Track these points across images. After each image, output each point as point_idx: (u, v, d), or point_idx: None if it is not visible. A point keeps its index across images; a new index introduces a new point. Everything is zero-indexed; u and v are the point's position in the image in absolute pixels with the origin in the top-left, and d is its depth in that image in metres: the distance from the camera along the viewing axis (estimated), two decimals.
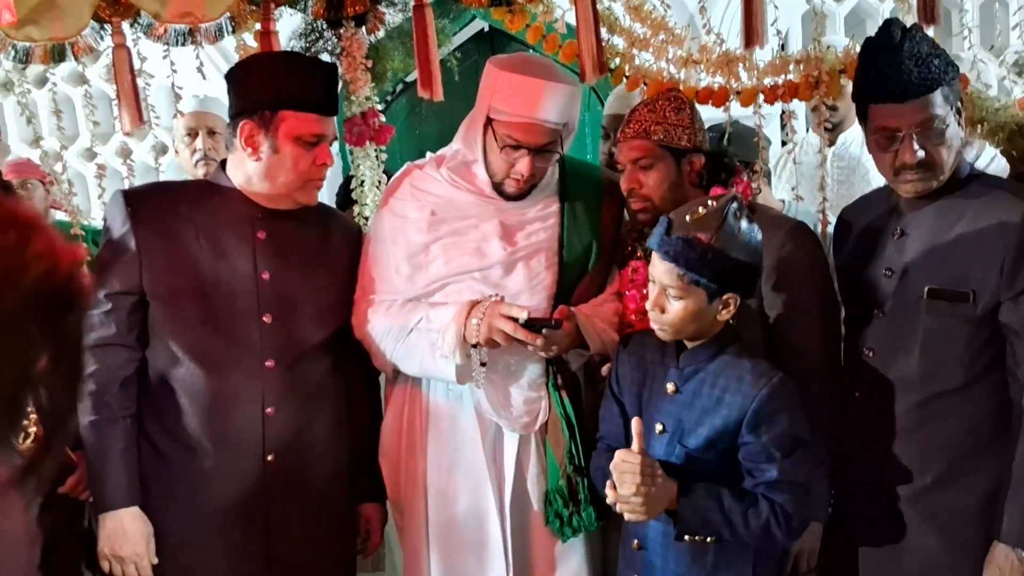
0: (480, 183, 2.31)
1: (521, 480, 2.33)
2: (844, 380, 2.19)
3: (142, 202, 2.21)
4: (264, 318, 2.20)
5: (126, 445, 2.17)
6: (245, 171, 2.21)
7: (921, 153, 1.98)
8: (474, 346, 2.18)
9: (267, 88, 2.14)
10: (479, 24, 4.45)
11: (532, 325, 2.13)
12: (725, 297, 1.92)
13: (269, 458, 2.22)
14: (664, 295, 1.93)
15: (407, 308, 2.29)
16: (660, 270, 1.92)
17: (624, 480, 1.88)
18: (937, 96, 1.97)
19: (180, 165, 3.43)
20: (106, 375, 2.15)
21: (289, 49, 2.80)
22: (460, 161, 2.33)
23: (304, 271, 2.27)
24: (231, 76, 2.23)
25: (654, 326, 1.99)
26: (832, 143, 3.60)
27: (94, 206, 4.25)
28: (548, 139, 2.20)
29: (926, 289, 2.04)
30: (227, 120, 2.24)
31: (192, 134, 3.26)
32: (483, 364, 2.22)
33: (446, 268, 2.29)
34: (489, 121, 2.23)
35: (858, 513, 2.19)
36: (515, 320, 2.12)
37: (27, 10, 2.63)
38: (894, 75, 1.97)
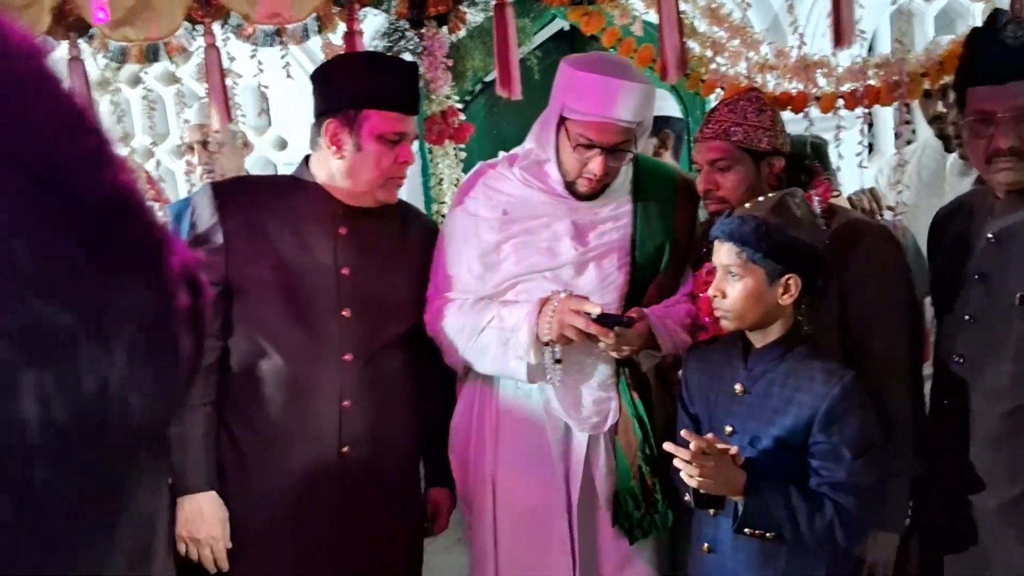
0: (552, 182, 2.32)
1: (589, 480, 2.33)
2: (937, 387, 2.14)
3: (230, 195, 2.27)
4: (344, 312, 2.24)
5: (206, 431, 2.24)
6: (328, 168, 2.25)
7: (1014, 141, 1.92)
8: (546, 344, 2.20)
9: (351, 87, 2.19)
10: (560, 23, 4.46)
11: (605, 322, 2.14)
12: (785, 279, 1.90)
13: (344, 449, 2.26)
14: (725, 279, 1.93)
15: (479, 307, 2.31)
16: (720, 253, 1.94)
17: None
18: None
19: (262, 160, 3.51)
20: None
21: (372, 49, 2.85)
22: (533, 160, 2.35)
23: (383, 267, 2.31)
24: (316, 76, 2.28)
25: (718, 314, 1.99)
26: (949, 149, 3.50)
27: None
28: (622, 138, 2.20)
29: (1018, 296, 1.98)
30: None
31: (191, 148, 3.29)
32: (558, 361, 2.23)
33: (517, 267, 2.31)
34: (562, 120, 2.24)
35: (943, 523, 2.14)
36: (587, 315, 2.13)
37: (123, 11, 2.74)
38: (994, 57, 1.93)
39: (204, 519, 2.22)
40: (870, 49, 3.53)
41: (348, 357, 2.25)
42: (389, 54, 2.79)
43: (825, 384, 1.89)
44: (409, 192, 3.64)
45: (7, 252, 0.28)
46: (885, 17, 4.43)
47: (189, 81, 4.31)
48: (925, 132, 3.32)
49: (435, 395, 2.49)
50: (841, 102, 2.50)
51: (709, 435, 1.95)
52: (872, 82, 2.46)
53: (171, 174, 4.89)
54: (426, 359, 2.41)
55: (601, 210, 2.33)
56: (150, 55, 2.88)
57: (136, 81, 4.29)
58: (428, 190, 2.98)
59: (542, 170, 2.33)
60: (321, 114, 2.24)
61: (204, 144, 3.29)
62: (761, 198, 1.96)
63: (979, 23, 2.18)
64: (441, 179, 2.85)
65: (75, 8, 2.80)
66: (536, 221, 2.32)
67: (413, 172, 3.12)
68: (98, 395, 0.30)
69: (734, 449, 1.87)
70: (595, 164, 2.21)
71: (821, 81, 2.49)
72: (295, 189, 2.30)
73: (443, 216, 2.86)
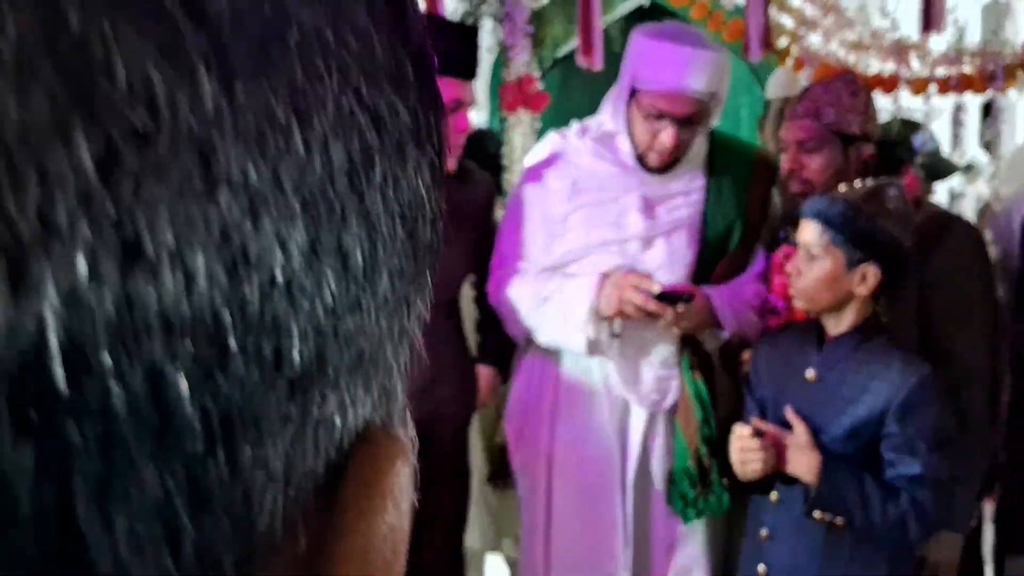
0: (623, 155, 2.29)
1: (646, 458, 2.31)
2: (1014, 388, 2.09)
3: None
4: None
5: None
6: None
7: None
8: (605, 319, 2.17)
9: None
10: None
11: (665, 298, 2.11)
12: (864, 267, 1.85)
13: None
14: (804, 258, 1.89)
15: (542, 277, 2.30)
16: (804, 231, 1.90)
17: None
18: None
19: None
20: None
21: (454, 11, 2.83)
22: (604, 132, 2.32)
23: (446, 225, 2.30)
24: None
25: (791, 292, 1.95)
26: None
27: None
28: (693, 109, 2.16)
29: None
30: None
31: None
32: (615, 336, 2.20)
33: (583, 239, 2.28)
34: (633, 91, 2.20)
35: (1017, 523, 2.08)
36: (647, 292, 2.10)
37: None
38: None
39: None
40: (960, 39, 3.42)
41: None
42: (464, 22, 2.76)
43: (902, 374, 1.84)
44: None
45: None
46: (977, 8, 4.29)
47: None
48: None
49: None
50: (934, 87, 2.43)
51: (769, 425, 1.91)
52: (967, 69, 2.38)
53: None
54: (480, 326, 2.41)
55: (672, 184, 2.29)
56: None
57: None
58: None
59: (613, 142, 2.30)
60: None
61: None
62: (858, 183, 1.91)
63: None
64: (513, 147, 2.83)
65: None
66: (605, 193, 2.29)
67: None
68: None
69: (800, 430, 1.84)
70: (666, 135, 2.17)
71: (915, 64, 2.42)
72: None
73: (512, 184, 2.84)
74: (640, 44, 2.20)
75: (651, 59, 2.15)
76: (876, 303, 1.92)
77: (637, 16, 4.58)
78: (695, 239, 2.28)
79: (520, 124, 2.80)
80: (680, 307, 2.11)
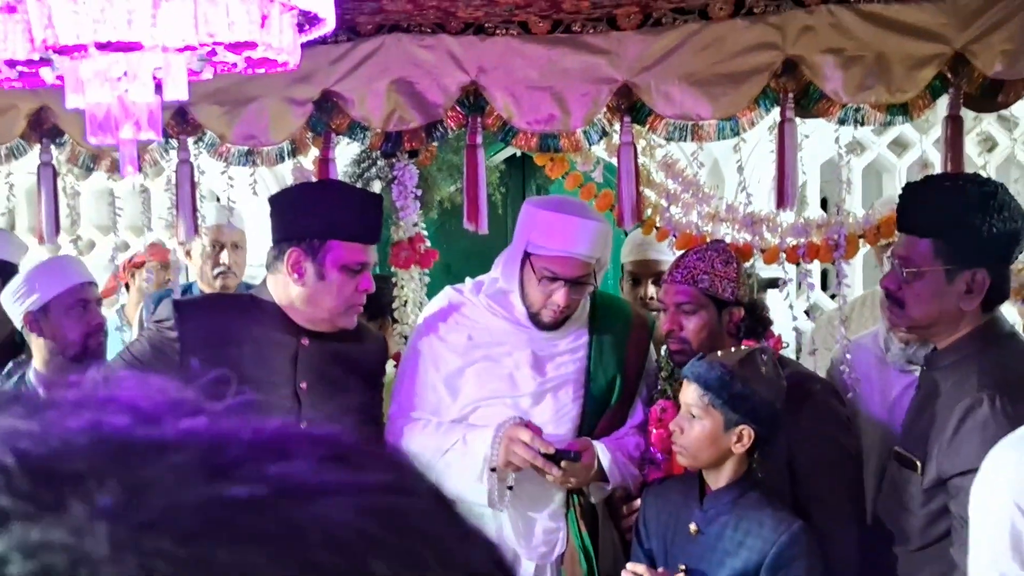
0: (516, 313, 2.43)
1: None
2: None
3: (190, 310, 2.34)
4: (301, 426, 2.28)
5: None
6: (288, 293, 2.31)
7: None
8: (493, 470, 2.26)
9: (317, 217, 2.26)
10: (512, 150, 4.65)
11: (552, 456, 2.22)
12: (740, 428, 2.02)
13: None
14: (686, 417, 2.05)
15: (443, 428, 2.38)
16: (686, 391, 2.06)
17: None
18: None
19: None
20: None
21: (342, 174, 2.97)
22: (498, 290, 2.46)
23: (339, 384, 2.36)
24: (277, 201, 2.37)
25: (675, 449, 2.10)
26: None
27: None
28: (583, 272, 2.35)
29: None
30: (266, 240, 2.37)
31: (216, 247, 3.34)
32: (509, 488, 2.29)
33: (479, 392, 2.39)
34: (526, 256, 2.38)
35: None
36: (534, 448, 2.21)
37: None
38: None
39: None
40: (823, 205, 3.78)
41: None
42: (355, 184, 2.90)
43: (774, 531, 2.00)
44: None
45: None
46: (816, 167, 4.72)
47: (157, 192, 4.33)
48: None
49: None
50: (783, 255, 2.70)
51: (661, 570, 2.04)
52: (814, 239, 2.67)
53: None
54: None
55: (559, 342, 2.45)
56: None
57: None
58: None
59: (507, 300, 2.44)
60: (281, 240, 2.30)
61: (235, 246, 3.34)
62: (734, 349, 2.10)
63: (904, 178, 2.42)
64: (406, 301, 2.95)
65: (51, 116, 2.87)
66: (499, 348, 2.42)
67: None
68: None
69: None
70: (559, 295, 2.33)
71: (767, 235, 2.69)
72: (253, 308, 2.35)
73: (405, 337, 2.94)
74: (534, 214, 2.39)
75: (545, 227, 2.34)
76: (751, 459, 2.10)
77: (508, 163, 4.84)
78: (580, 395, 2.42)
79: (412, 280, 2.93)
80: (565, 464, 2.22)
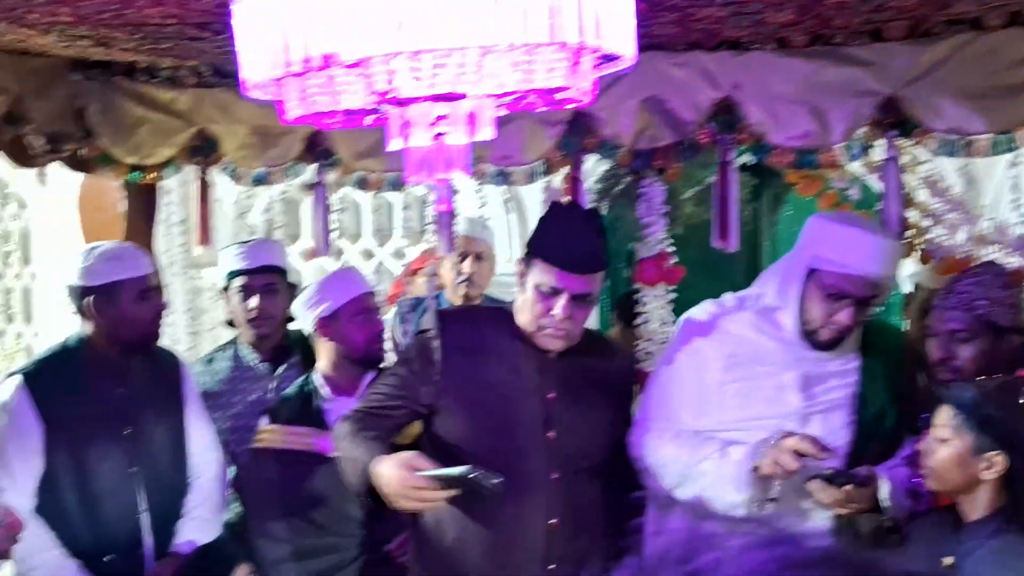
0: (786, 330, 2.38)
1: None
2: None
3: (451, 321, 2.48)
4: (549, 434, 2.35)
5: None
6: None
7: None
8: (755, 469, 2.23)
9: (535, 234, 2.38)
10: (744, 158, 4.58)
11: (830, 478, 2.17)
12: (990, 455, 1.92)
13: (551, 567, 2.34)
14: (935, 439, 1.98)
15: (701, 438, 2.37)
16: (939, 413, 1.99)
17: None
18: None
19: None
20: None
21: (589, 191, 3.03)
22: (765, 306, 2.43)
23: (587, 396, 2.42)
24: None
25: (923, 471, 2.04)
26: None
27: None
28: (871, 292, 2.30)
29: None
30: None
31: (461, 256, 3.46)
32: (773, 500, 2.26)
33: (739, 412, 2.37)
34: (811, 271, 2.33)
35: None
36: (813, 448, 2.17)
37: (365, 145, 3.00)
38: None
39: None
40: None
41: (555, 475, 2.34)
42: (600, 201, 2.93)
43: None
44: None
45: None
46: None
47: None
48: None
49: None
50: None
51: None
52: None
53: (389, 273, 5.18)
54: (620, 485, 2.49)
55: (829, 364, 2.39)
56: (385, 186, 3.14)
57: None
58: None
59: (773, 317, 2.41)
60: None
61: (478, 256, 3.47)
62: (1000, 374, 2.02)
63: None
64: (649, 318, 2.98)
65: (325, 139, 3.09)
66: (763, 368, 2.39)
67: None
68: None
69: None
70: (844, 314, 2.29)
71: None
72: (507, 320, 2.43)
73: (649, 353, 2.97)
74: (824, 228, 2.36)
75: (839, 243, 2.29)
76: (1013, 491, 1.98)
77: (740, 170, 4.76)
78: (852, 420, 2.36)
79: (657, 298, 2.95)
80: (849, 489, 2.17)
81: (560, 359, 2.40)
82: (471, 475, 2.06)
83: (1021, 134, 2.49)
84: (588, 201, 3.07)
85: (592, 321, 3.93)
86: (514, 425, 2.37)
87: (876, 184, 2.71)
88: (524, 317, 2.36)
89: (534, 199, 3.29)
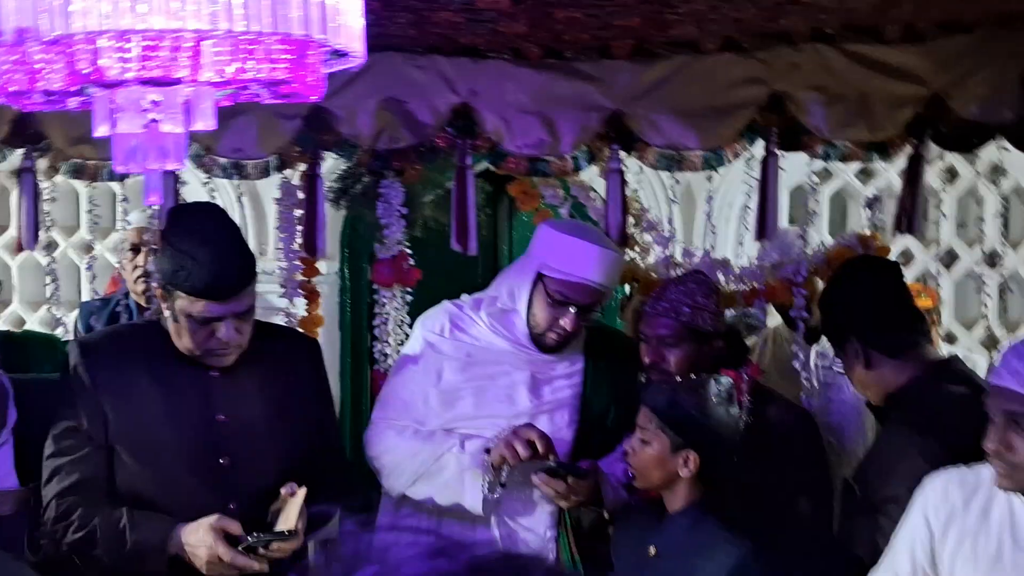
0: (518, 333, 2.46)
1: None
2: None
3: (98, 353, 2.21)
4: (222, 461, 2.16)
5: None
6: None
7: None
8: (488, 451, 2.31)
9: (170, 263, 2.09)
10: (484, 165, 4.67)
11: (555, 471, 2.26)
12: (685, 452, 2.06)
13: None
14: (638, 438, 2.11)
15: (438, 436, 2.41)
16: (640, 414, 2.12)
17: None
18: None
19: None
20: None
21: (328, 190, 2.97)
22: (500, 309, 2.49)
23: (264, 411, 2.23)
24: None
25: (629, 470, 2.16)
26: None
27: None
28: (595, 299, 2.40)
29: None
30: None
31: (135, 249, 3.25)
32: (503, 485, 2.32)
33: (475, 410, 2.43)
34: (538, 277, 2.41)
35: None
36: (536, 449, 2.25)
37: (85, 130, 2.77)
38: None
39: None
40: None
41: (232, 507, 2.13)
42: (339, 199, 2.85)
43: (727, 555, 2.02)
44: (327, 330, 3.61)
45: None
46: (784, 193, 4.79)
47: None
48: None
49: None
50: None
51: None
52: (769, 280, 2.77)
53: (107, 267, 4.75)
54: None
55: (557, 365, 2.49)
56: (103, 176, 2.91)
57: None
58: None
59: (508, 319, 2.48)
60: None
61: (154, 249, 3.24)
62: (693, 375, 2.17)
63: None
64: (387, 319, 2.96)
65: (36, 122, 2.83)
66: (498, 368, 2.46)
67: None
68: None
69: None
70: (568, 320, 2.38)
71: (722, 279, 2.78)
72: (157, 337, 2.18)
73: (385, 355, 2.96)
74: (552, 236, 2.45)
75: (563, 252, 2.39)
76: (708, 482, 2.11)
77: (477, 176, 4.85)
78: (575, 419, 2.47)
79: (394, 299, 2.94)
80: (572, 481, 2.26)
81: (226, 377, 2.19)
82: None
83: (728, 151, 2.70)
84: (326, 199, 3.00)
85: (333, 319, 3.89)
86: (182, 454, 2.16)
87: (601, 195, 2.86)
88: (183, 343, 2.15)
89: (271, 192, 3.16)
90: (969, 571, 1.81)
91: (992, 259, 4.46)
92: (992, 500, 1.79)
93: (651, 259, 2.85)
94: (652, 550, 2.12)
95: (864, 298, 2.29)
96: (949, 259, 4.69)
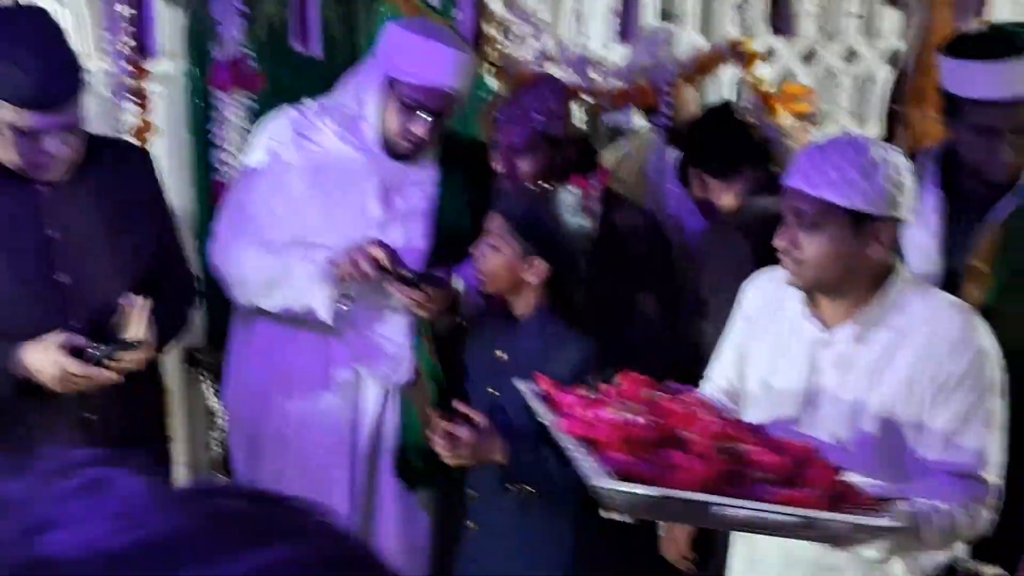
0: (367, 140, 2.37)
1: (377, 432, 2.44)
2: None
3: None
4: (58, 277, 2.04)
5: None
6: None
7: None
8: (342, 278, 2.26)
9: None
10: None
11: (409, 280, 2.23)
12: (532, 259, 2.08)
13: (89, 416, 2.08)
14: (488, 244, 2.11)
15: (288, 246, 2.33)
16: (491, 219, 2.13)
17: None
18: None
19: None
20: None
21: None
22: (346, 115, 2.38)
23: (99, 223, 2.11)
24: None
25: (479, 276, 2.17)
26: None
27: None
28: (447, 104, 2.31)
29: None
30: None
31: None
32: (350, 298, 2.29)
33: (323, 221, 2.35)
34: (389, 81, 2.29)
35: None
36: (387, 258, 2.21)
37: None
38: None
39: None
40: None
41: (73, 324, 2.02)
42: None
43: (573, 352, 2.09)
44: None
45: None
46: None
47: None
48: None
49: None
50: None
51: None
52: (640, 83, 2.69)
53: None
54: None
55: (410, 174, 2.41)
56: None
57: None
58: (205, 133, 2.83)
59: (356, 125, 2.38)
60: None
61: None
62: (543, 183, 2.17)
63: None
64: (224, 125, 2.79)
65: None
66: (346, 176, 2.37)
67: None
68: None
69: (477, 417, 2.00)
70: (420, 127, 2.29)
71: (593, 75, 2.69)
72: None
73: (225, 163, 2.81)
74: (401, 37, 2.30)
75: (414, 55, 2.26)
76: (553, 290, 2.13)
77: None
78: (429, 227, 2.42)
79: (233, 104, 2.77)
80: (429, 290, 2.23)
81: (56, 191, 2.03)
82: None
83: None
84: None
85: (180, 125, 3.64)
86: (13, 272, 2.02)
87: None
88: (8, 157, 1.97)
89: None
90: (764, 360, 1.92)
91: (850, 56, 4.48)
92: (786, 295, 1.88)
93: (525, 52, 2.70)
94: (500, 352, 2.15)
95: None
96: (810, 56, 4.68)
